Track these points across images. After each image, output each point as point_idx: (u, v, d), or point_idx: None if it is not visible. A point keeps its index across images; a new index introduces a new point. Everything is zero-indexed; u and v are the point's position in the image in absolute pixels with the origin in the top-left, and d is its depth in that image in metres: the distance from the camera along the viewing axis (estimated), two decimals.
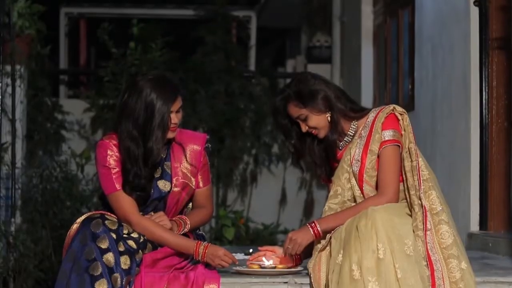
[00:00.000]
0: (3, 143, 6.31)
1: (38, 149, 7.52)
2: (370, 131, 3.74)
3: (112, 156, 3.73)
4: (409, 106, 7.54)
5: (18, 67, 6.60)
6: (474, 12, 5.98)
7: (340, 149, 3.85)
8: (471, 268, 3.60)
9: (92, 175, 7.79)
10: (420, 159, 3.69)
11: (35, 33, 6.91)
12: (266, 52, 13.57)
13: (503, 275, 3.99)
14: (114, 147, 3.73)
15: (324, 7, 10.79)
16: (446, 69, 6.52)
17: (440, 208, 3.61)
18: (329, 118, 3.78)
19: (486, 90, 5.89)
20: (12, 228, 6.30)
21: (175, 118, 3.73)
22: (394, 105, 3.77)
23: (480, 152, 5.91)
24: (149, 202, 3.79)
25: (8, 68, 6.47)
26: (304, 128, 3.80)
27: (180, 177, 3.83)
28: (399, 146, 3.71)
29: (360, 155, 3.74)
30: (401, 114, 3.75)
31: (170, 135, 3.75)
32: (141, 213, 3.76)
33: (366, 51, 9.31)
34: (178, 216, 3.87)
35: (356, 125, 3.81)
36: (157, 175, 3.80)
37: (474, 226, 5.93)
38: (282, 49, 14.09)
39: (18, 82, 6.60)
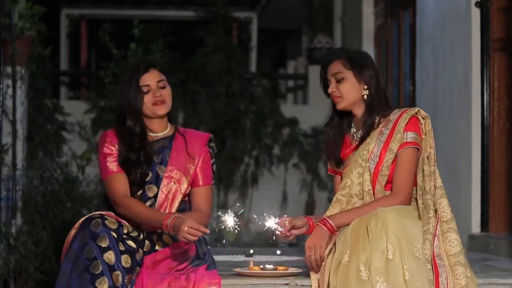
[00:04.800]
0: (3, 144, 6.30)
1: (39, 150, 7.51)
2: (393, 129, 3.72)
3: (110, 142, 3.83)
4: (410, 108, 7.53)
5: (18, 68, 6.60)
6: (475, 13, 5.98)
7: (356, 141, 3.81)
8: (474, 276, 3.58)
9: (93, 177, 7.79)
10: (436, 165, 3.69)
11: (36, 34, 6.90)
12: (267, 54, 13.57)
13: (504, 276, 3.99)
14: (114, 137, 3.84)
15: (325, 8, 10.80)
16: (447, 70, 6.51)
17: (450, 216, 3.60)
18: (364, 96, 3.76)
19: (487, 92, 5.89)
20: (13, 230, 6.29)
21: (156, 92, 3.84)
22: (419, 108, 3.75)
23: (481, 154, 5.91)
24: (146, 186, 3.81)
25: (9, 69, 6.47)
26: (332, 87, 3.77)
27: (177, 164, 3.86)
28: (418, 149, 3.69)
29: (379, 151, 3.71)
30: (424, 118, 3.73)
31: (159, 111, 3.83)
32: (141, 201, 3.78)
33: (367, 52, 9.30)
34: (175, 214, 3.85)
35: (378, 121, 3.78)
36: (157, 160, 3.85)
37: (475, 228, 5.92)
38: (283, 51, 14.08)
39: (18, 83, 6.60)
